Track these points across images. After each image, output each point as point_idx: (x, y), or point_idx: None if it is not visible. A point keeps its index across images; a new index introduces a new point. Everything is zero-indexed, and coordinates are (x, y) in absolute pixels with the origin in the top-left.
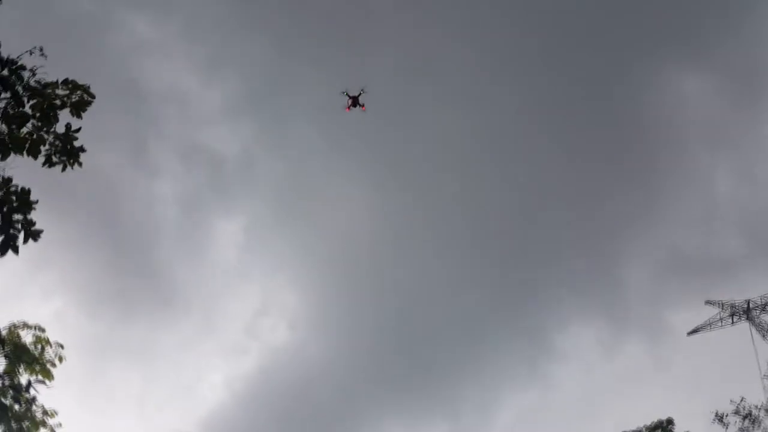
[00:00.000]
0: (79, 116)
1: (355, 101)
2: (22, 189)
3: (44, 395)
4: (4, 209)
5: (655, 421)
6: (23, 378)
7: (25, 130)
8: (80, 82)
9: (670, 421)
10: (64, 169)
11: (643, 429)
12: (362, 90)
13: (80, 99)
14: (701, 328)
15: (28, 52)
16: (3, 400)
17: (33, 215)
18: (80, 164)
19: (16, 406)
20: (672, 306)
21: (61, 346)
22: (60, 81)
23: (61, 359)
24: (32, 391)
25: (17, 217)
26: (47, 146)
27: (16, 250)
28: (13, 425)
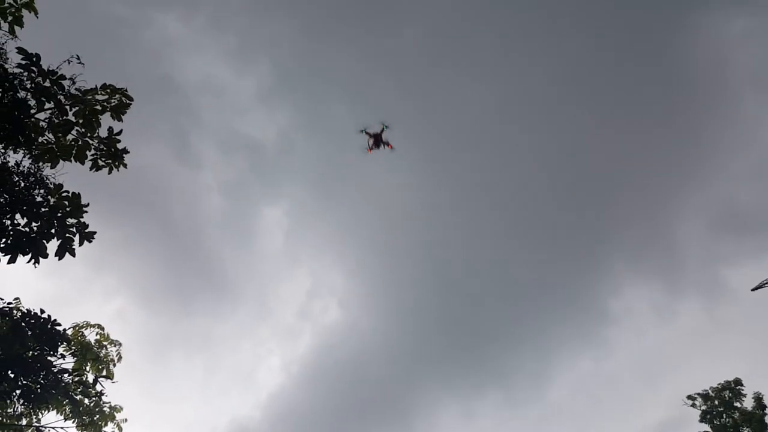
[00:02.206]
0: (119, 119)
1: (377, 140)
2: (73, 194)
3: (112, 388)
4: (59, 214)
5: (723, 382)
6: (90, 375)
7: (70, 137)
8: (117, 86)
9: (738, 382)
10: (110, 172)
11: (710, 391)
12: (384, 126)
13: (119, 102)
14: (767, 283)
15: (66, 62)
16: (73, 395)
17: (85, 218)
18: (125, 166)
19: (86, 401)
20: (729, 263)
21: (120, 344)
22: (99, 87)
23: (120, 357)
24: (99, 387)
25: (71, 221)
26: (93, 151)
27: (72, 253)
28: (85, 419)
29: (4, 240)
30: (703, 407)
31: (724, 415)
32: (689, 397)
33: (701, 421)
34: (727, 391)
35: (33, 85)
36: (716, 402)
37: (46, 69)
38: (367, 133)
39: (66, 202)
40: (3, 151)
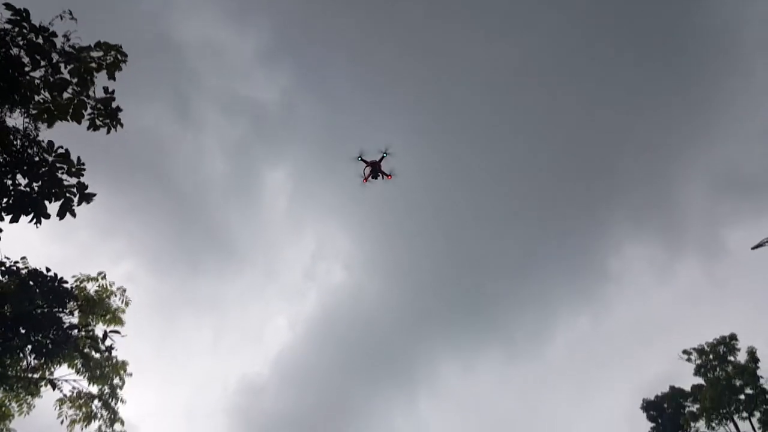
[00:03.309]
0: (113, 77)
1: (375, 169)
2: (66, 152)
3: (123, 345)
4: (57, 175)
5: (718, 337)
6: (99, 329)
7: (66, 96)
8: (111, 43)
9: (733, 337)
10: (108, 132)
11: (705, 346)
12: (384, 153)
13: (114, 60)
14: (767, 241)
15: (59, 17)
16: (83, 350)
17: (89, 184)
18: (122, 125)
19: (96, 355)
20: (729, 224)
21: (124, 291)
22: (93, 44)
23: (127, 304)
24: (108, 341)
25: (70, 181)
26: (89, 110)
27: (73, 213)
28: (95, 372)
29: (5, 200)
30: (698, 361)
31: (718, 369)
32: (685, 351)
33: (696, 374)
34: (722, 346)
35: (25, 42)
36: (711, 356)
37: (38, 25)
38: (363, 161)
39: (65, 162)
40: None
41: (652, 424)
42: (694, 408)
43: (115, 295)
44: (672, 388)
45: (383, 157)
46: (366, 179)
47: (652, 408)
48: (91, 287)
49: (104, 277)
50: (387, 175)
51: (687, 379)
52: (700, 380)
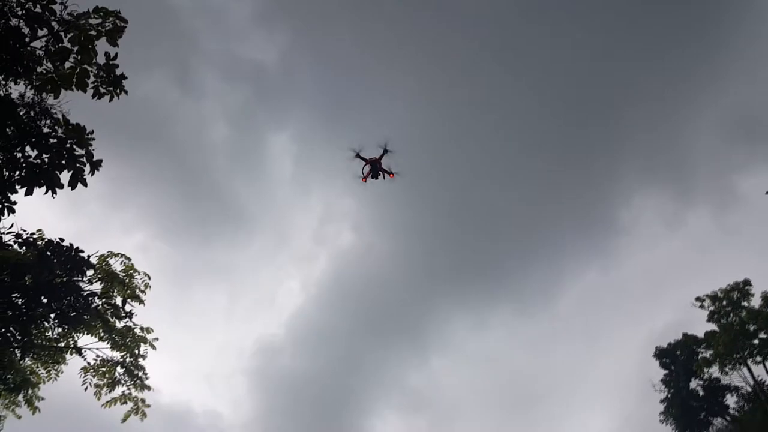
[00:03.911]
0: (115, 44)
1: (375, 168)
2: (77, 125)
3: (141, 315)
4: (67, 145)
5: (731, 283)
6: (118, 299)
7: (68, 65)
8: (110, 9)
9: (746, 282)
10: (111, 99)
11: (718, 293)
12: (385, 149)
13: (114, 26)
14: None
15: None
16: (105, 317)
17: (95, 152)
18: (125, 92)
19: (118, 324)
20: (741, 171)
21: (148, 276)
22: (91, 10)
23: (147, 286)
24: (128, 307)
25: (80, 151)
26: (92, 78)
27: (84, 183)
28: (118, 340)
29: (18, 173)
30: (711, 308)
31: (732, 314)
32: (698, 298)
33: (709, 320)
34: (735, 292)
35: (24, 12)
36: (724, 302)
37: None
38: (361, 158)
39: (73, 132)
40: (4, 82)
41: (665, 372)
42: (708, 354)
43: (138, 274)
44: (685, 335)
45: (384, 153)
46: (365, 179)
47: (664, 356)
48: (114, 263)
49: (129, 258)
50: (389, 173)
51: (700, 326)
52: (713, 327)
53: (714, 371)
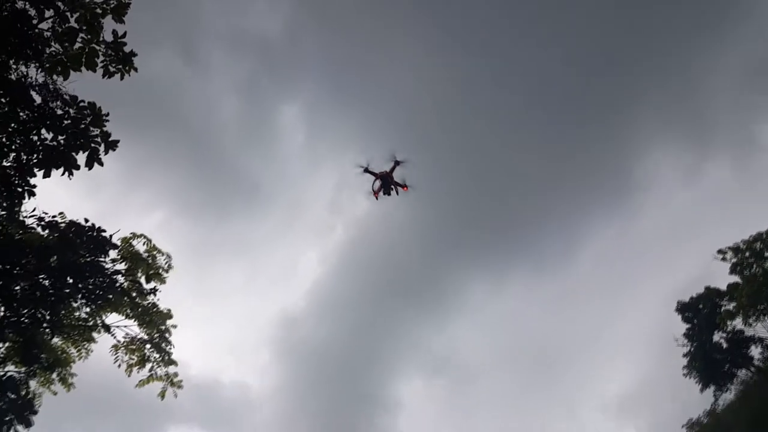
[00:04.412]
0: (121, 20)
1: (387, 182)
2: (90, 103)
3: (164, 293)
4: (81, 126)
5: (754, 234)
6: (142, 278)
7: (77, 45)
8: None
9: None
10: (122, 78)
11: (741, 244)
12: (396, 161)
13: (119, 2)
14: None
15: None
16: (130, 295)
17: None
18: (135, 69)
19: (143, 302)
20: (762, 120)
21: (170, 257)
22: None
23: (170, 267)
24: (152, 284)
25: (94, 131)
26: (101, 57)
27: (100, 162)
28: (144, 318)
29: (35, 156)
30: (734, 260)
31: (755, 266)
32: (720, 251)
33: (731, 273)
34: (758, 243)
35: None
36: (747, 254)
37: None
38: (370, 172)
39: (86, 112)
40: (15, 66)
41: (687, 326)
42: (731, 306)
43: (161, 254)
44: (707, 288)
45: (395, 166)
46: (377, 194)
47: (686, 310)
48: (137, 243)
49: (150, 240)
50: (402, 186)
51: (722, 279)
52: (735, 279)
53: (737, 323)
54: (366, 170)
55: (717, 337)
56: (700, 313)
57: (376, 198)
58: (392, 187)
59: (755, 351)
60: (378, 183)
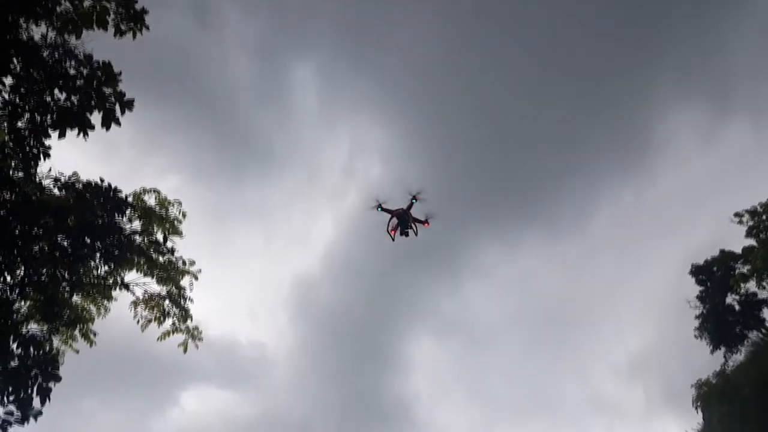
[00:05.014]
0: None
1: (403, 220)
2: (104, 63)
3: (181, 250)
4: (95, 85)
5: None
6: (159, 235)
7: (87, 3)
8: None
9: None
10: (135, 37)
11: (758, 207)
12: (413, 198)
13: None
14: None
15: None
16: (148, 253)
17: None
18: (147, 27)
19: (160, 258)
20: None
21: (180, 203)
22: None
23: (184, 215)
24: (169, 244)
25: (107, 91)
26: (112, 16)
27: (118, 122)
28: (162, 274)
29: (49, 117)
30: (750, 223)
31: None
32: (736, 214)
33: (747, 236)
34: None
35: None
36: (764, 217)
37: None
38: (386, 210)
39: (99, 72)
40: (25, 25)
41: (700, 288)
42: (745, 269)
43: (173, 205)
44: (722, 251)
45: (412, 203)
46: (393, 231)
47: (700, 272)
48: (149, 198)
49: (160, 192)
50: (423, 223)
51: (737, 242)
52: (751, 242)
53: (751, 286)
54: (380, 208)
55: (730, 299)
56: (714, 275)
57: (392, 238)
58: (411, 225)
59: (767, 313)
60: (394, 221)
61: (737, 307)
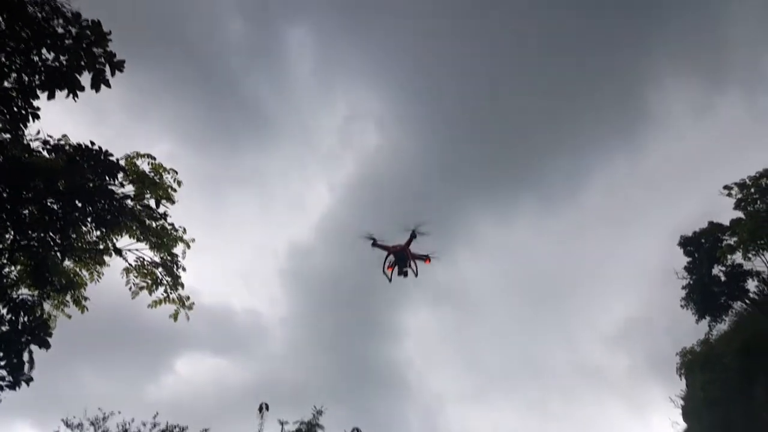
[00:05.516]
0: None
1: (401, 258)
2: (93, 22)
3: (175, 215)
4: (84, 45)
5: (761, 170)
6: (151, 200)
7: None
8: None
9: None
10: None
11: (747, 180)
12: (413, 233)
13: None
14: None
15: None
16: (140, 218)
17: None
18: None
19: (153, 224)
20: None
21: (176, 172)
22: None
23: (179, 183)
24: (162, 208)
25: (97, 51)
26: None
27: (108, 84)
28: (155, 240)
29: (38, 77)
30: (739, 196)
31: (759, 201)
32: (725, 187)
33: (735, 209)
34: (765, 179)
35: None
36: (752, 190)
37: None
38: (380, 246)
39: (89, 32)
40: None
41: (688, 259)
42: (732, 241)
43: (168, 173)
44: (710, 223)
45: (412, 238)
46: (391, 268)
47: (689, 244)
48: (142, 163)
49: (154, 158)
50: (424, 259)
51: (726, 215)
52: (739, 215)
53: (737, 258)
54: (375, 243)
55: (716, 270)
56: (702, 247)
57: (389, 279)
58: (410, 263)
59: (752, 284)
60: (392, 259)
61: (723, 278)
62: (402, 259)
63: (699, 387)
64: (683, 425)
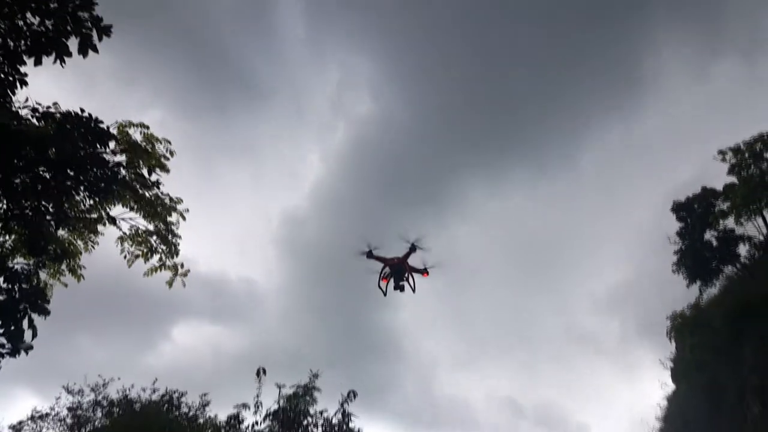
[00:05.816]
0: None
1: (398, 272)
2: None
3: (169, 185)
4: (69, 9)
5: (756, 135)
6: (144, 170)
7: None
8: None
9: None
10: None
11: (741, 145)
12: (412, 246)
13: None
14: None
15: None
16: (134, 187)
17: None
18: None
19: (147, 193)
20: None
21: (169, 142)
22: None
23: (172, 153)
24: (155, 177)
25: (84, 15)
26: None
27: (95, 49)
28: (149, 209)
29: (24, 43)
30: (733, 161)
31: (753, 166)
32: (720, 151)
33: (729, 174)
34: (759, 144)
35: None
36: (746, 155)
37: None
38: (377, 258)
39: None
40: None
41: (681, 224)
42: (724, 206)
43: (160, 143)
44: (703, 188)
45: (410, 251)
46: (386, 280)
47: (681, 209)
48: (134, 132)
49: (147, 127)
50: (422, 273)
51: (720, 180)
52: (733, 180)
53: (729, 223)
54: (370, 255)
55: (708, 235)
56: (695, 212)
57: (384, 292)
58: (407, 277)
59: (743, 249)
60: (386, 272)
61: (715, 243)
62: (399, 272)
63: (688, 350)
64: (672, 386)
